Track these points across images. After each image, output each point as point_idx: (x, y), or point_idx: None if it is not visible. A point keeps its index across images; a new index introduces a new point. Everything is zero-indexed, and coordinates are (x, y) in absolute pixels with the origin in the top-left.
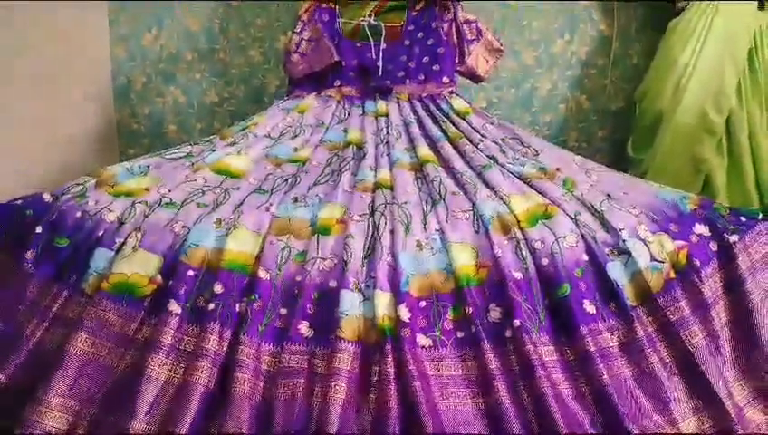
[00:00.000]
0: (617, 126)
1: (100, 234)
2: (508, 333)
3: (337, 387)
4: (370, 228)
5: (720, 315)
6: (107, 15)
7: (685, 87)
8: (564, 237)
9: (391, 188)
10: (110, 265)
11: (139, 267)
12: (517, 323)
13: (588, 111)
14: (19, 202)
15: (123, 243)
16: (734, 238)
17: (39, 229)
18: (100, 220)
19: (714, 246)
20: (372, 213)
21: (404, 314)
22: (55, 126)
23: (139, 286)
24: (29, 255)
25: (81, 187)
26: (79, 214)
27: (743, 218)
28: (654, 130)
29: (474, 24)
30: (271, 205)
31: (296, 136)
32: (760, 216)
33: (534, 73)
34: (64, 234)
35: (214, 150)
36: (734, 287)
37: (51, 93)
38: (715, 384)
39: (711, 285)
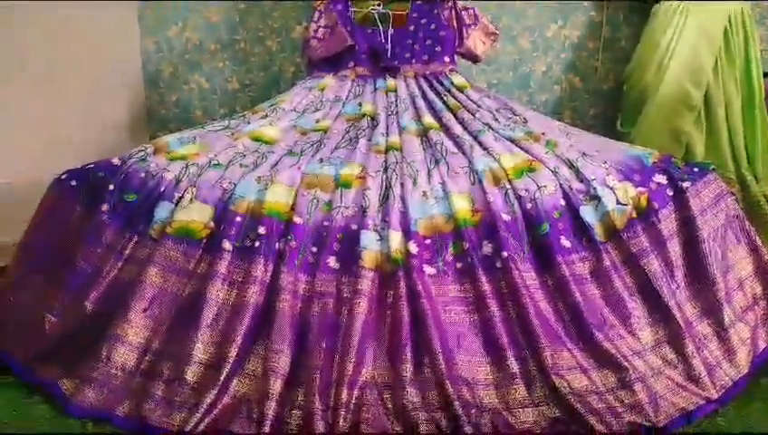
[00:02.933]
0: (607, 105)
1: (162, 190)
2: (498, 264)
3: (360, 303)
4: (384, 182)
5: (675, 248)
6: (136, 12)
7: (666, 66)
8: (545, 187)
9: (400, 150)
10: (171, 215)
11: (196, 215)
12: (505, 254)
13: (580, 90)
14: (92, 166)
15: (181, 197)
16: (686, 185)
17: (111, 187)
18: (161, 179)
19: (670, 192)
20: (386, 170)
21: (413, 248)
22: (92, 112)
23: (196, 231)
24: (104, 208)
25: (142, 153)
26: (143, 174)
27: (696, 169)
28: (639, 107)
29: (471, 11)
30: (301, 164)
31: (318, 110)
32: (711, 167)
33: (530, 57)
34: (132, 190)
35: (249, 123)
36: (687, 225)
37: (89, 83)
38: (668, 302)
39: (667, 223)
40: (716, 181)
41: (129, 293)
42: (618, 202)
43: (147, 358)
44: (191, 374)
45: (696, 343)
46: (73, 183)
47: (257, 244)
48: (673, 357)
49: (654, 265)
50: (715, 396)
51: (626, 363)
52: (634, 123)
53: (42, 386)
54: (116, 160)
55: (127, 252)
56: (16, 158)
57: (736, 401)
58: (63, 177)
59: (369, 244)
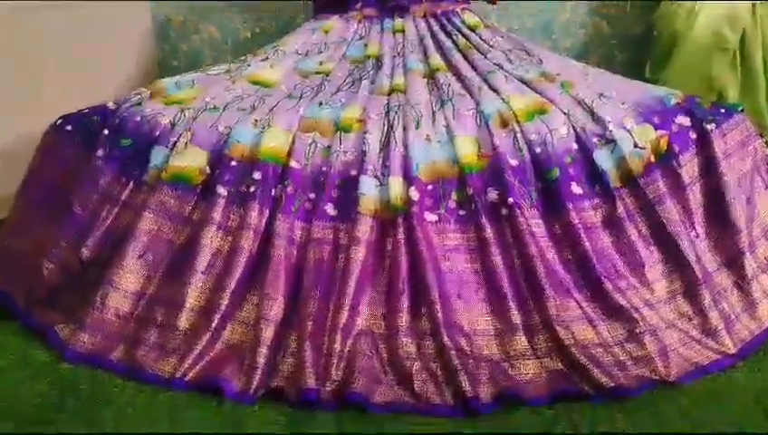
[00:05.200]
0: (637, 50)
1: (157, 134)
2: (504, 211)
3: (357, 250)
4: (386, 125)
5: (696, 195)
6: None
7: (700, 7)
8: (557, 130)
9: (404, 92)
10: (166, 160)
11: (191, 160)
12: (511, 200)
13: (607, 36)
14: (87, 110)
15: (176, 141)
16: (711, 126)
17: (106, 132)
18: (156, 123)
19: (693, 135)
20: (387, 113)
21: (414, 194)
22: (103, 63)
23: (192, 176)
24: (99, 152)
25: (138, 97)
26: (138, 118)
27: (722, 110)
28: (670, 51)
29: None
30: (300, 108)
31: (321, 52)
32: (740, 108)
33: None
34: (127, 135)
35: (249, 66)
36: (709, 170)
37: (98, 35)
38: (685, 251)
39: (688, 169)
40: (744, 123)
41: (124, 239)
42: (635, 145)
43: (141, 304)
44: (184, 321)
45: (714, 294)
46: (69, 128)
47: (252, 189)
48: (688, 309)
49: (672, 212)
50: (733, 350)
51: (636, 315)
52: (663, 70)
53: (40, 331)
54: (111, 105)
55: (123, 198)
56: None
57: (756, 356)
58: (59, 122)
59: (368, 190)
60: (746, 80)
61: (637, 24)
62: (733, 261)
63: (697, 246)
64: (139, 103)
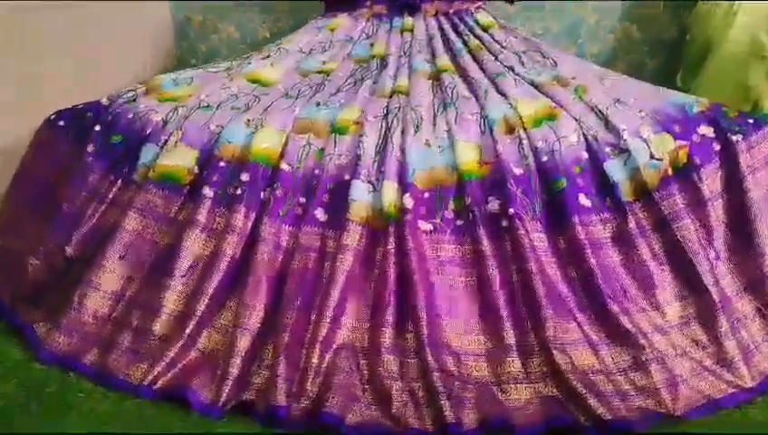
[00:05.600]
0: (669, 57)
1: (148, 132)
2: (504, 223)
3: (343, 259)
4: (383, 128)
5: (717, 212)
6: None
7: (736, 11)
8: (566, 137)
9: (407, 94)
10: (155, 158)
11: (180, 160)
12: (511, 211)
13: (638, 41)
14: (81, 106)
15: (167, 139)
16: (737, 138)
17: (98, 128)
18: (147, 120)
19: (717, 146)
20: (386, 115)
21: (408, 202)
22: (122, 61)
23: (180, 176)
24: (89, 149)
25: (132, 93)
26: (131, 115)
27: (751, 121)
28: (703, 57)
29: None
30: (296, 108)
31: (325, 51)
32: None
33: (580, 2)
34: (118, 132)
35: (249, 63)
36: (733, 185)
37: (119, 32)
38: (702, 273)
39: (710, 183)
40: None
41: (107, 238)
42: (651, 157)
43: (119, 306)
44: (159, 326)
45: (732, 321)
46: (62, 123)
47: (240, 191)
48: (703, 337)
49: (689, 230)
50: (750, 384)
51: (643, 341)
52: (696, 77)
53: (19, 329)
54: (104, 100)
55: (110, 196)
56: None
57: None
58: (53, 117)
59: (360, 195)
60: None
61: (669, 29)
62: (755, 285)
63: (716, 268)
64: (134, 100)
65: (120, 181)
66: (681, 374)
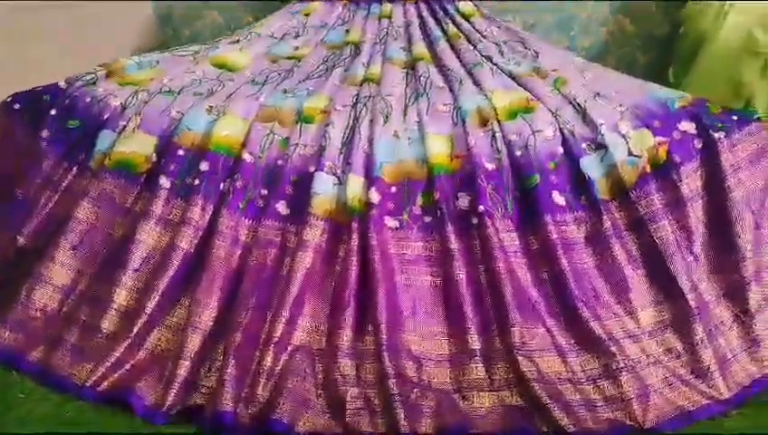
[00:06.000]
0: (661, 52)
1: (106, 117)
2: (474, 220)
3: (303, 255)
4: (351, 118)
5: (697, 212)
6: None
7: (728, 12)
8: (541, 131)
9: (378, 83)
10: (113, 145)
11: (138, 147)
12: (481, 208)
13: (631, 35)
14: (39, 89)
15: (125, 125)
16: (719, 135)
17: (53, 112)
18: (106, 105)
19: (698, 144)
20: (355, 104)
21: (374, 196)
22: (104, 47)
23: (136, 164)
24: (44, 134)
25: (92, 76)
26: (89, 99)
27: (735, 117)
28: (695, 53)
29: None
30: (261, 95)
31: (298, 36)
32: (756, 115)
33: None
34: (75, 116)
35: (217, 48)
36: (714, 185)
37: (101, 17)
38: (678, 278)
39: (690, 182)
40: (760, 133)
41: (60, 228)
42: (629, 153)
43: (69, 301)
44: (108, 323)
45: (709, 328)
46: (17, 106)
47: (197, 182)
48: (677, 345)
49: (666, 231)
50: (726, 395)
51: (614, 348)
52: (688, 73)
53: None
54: (62, 83)
55: (65, 184)
56: None
57: (753, 404)
58: (9, 99)
59: (323, 188)
60: None
61: (663, 24)
62: (734, 291)
63: (694, 273)
64: (93, 83)
65: (75, 169)
66: (653, 384)
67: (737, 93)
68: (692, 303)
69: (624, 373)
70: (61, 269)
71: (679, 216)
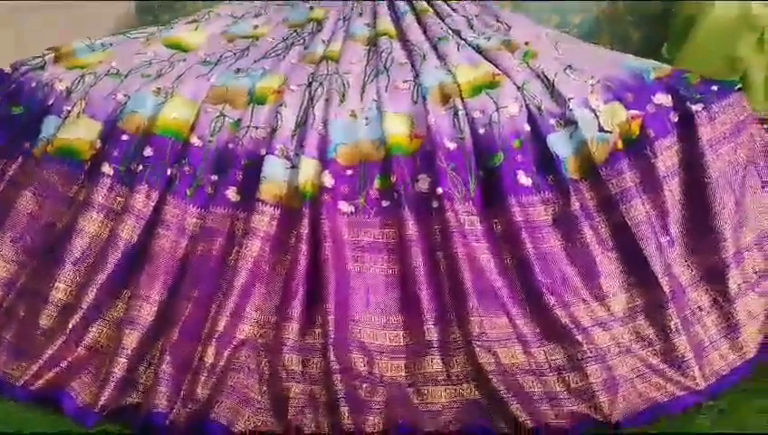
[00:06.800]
0: (655, 28)
1: (51, 102)
2: (435, 204)
3: (250, 243)
4: (306, 98)
5: (674, 191)
6: None
7: None
8: (506, 107)
9: (337, 60)
10: (56, 132)
11: (82, 132)
12: (440, 190)
13: (623, 11)
14: None
15: (70, 111)
16: (697, 107)
17: None
18: (51, 90)
19: (674, 117)
20: (310, 84)
21: (327, 180)
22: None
23: (80, 151)
24: None
25: (40, 60)
26: (34, 84)
27: (715, 88)
28: (689, 29)
29: None
30: (212, 75)
31: (259, 15)
32: (738, 86)
33: None
34: (20, 102)
35: (172, 28)
36: (692, 161)
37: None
38: (651, 261)
39: (666, 158)
40: (740, 105)
41: (2, 222)
42: (600, 129)
43: (10, 296)
44: (45, 318)
45: (684, 315)
46: None
47: (140, 168)
48: (650, 332)
49: (639, 211)
50: (702, 386)
51: (579, 336)
52: (682, 48)
53: None
54: (8, 68)
55: (9, 173)
56: None
57: (731, 394)
58: None
59: (273, 172)
60: None
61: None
62: (713, 274)
63: (669, 255)
64: (41, 67)
65: (20, 158)
66: (622, 374)
67: (733, 68)
68: (666, 287)
69: (591, 363)
70: (2, 263)
71: (654, 195)
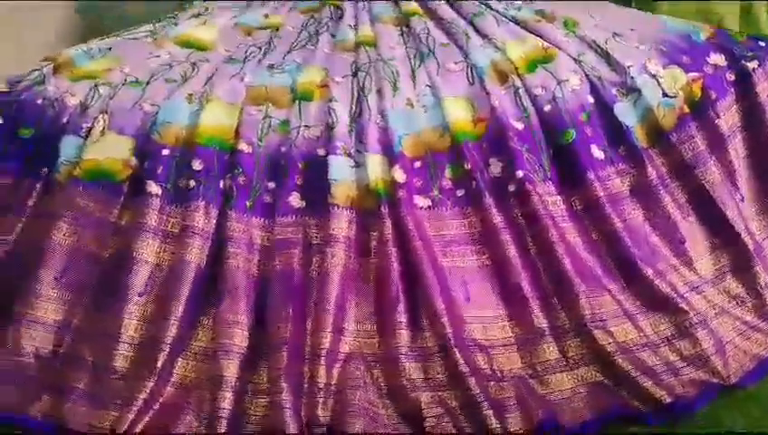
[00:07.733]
0: None
1: (65, 120)
2: (511, 187)
3: (334, 251)
4: (355, 89)
5: (738, 150)
6: None
7: None
8: (567, 81)
9: (374, 46)
10: (80, 152)
11: (112, 151)
12: (520, 174)
13: None
14: None
15: (90, 127)
16: (753, 65)
17: (0, 121)
18: (62, 106)
19: (731, 76)
20: (356, 73)
21: (399, 175)
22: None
23: (114, 171)
24: None
25: (38, 73)
26: (40, 101)
27: (762, 44)
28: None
29: None
30: (245, 74)
31: (266, 2)
32: None
33: None
34: (27, 124)
35: (176, 24)
36: (753, 118)
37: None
38: (732, 220)
39: (728, 118)
40: None
41: (35, 258)
42: (664, 94)
43: (66, 339)
44: (121, 359)
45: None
46: None
47: (192, 183)
48: (740, 290)
49: (713, 173)
50: None
51: (683, 304)
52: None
53: None
54: (2, 86)
55: (29, 205)
56: None
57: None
58: None
59: (341, 173)
60: (749, 15)
61: None
62: None
63: (743, 212)
64: (41, 81)
65: (38, 186)
66: (726, 336)
67: (706, 18)
68: (749, 244)
69: (699, 329)
70: (47, 305)
71: (721, 155)
